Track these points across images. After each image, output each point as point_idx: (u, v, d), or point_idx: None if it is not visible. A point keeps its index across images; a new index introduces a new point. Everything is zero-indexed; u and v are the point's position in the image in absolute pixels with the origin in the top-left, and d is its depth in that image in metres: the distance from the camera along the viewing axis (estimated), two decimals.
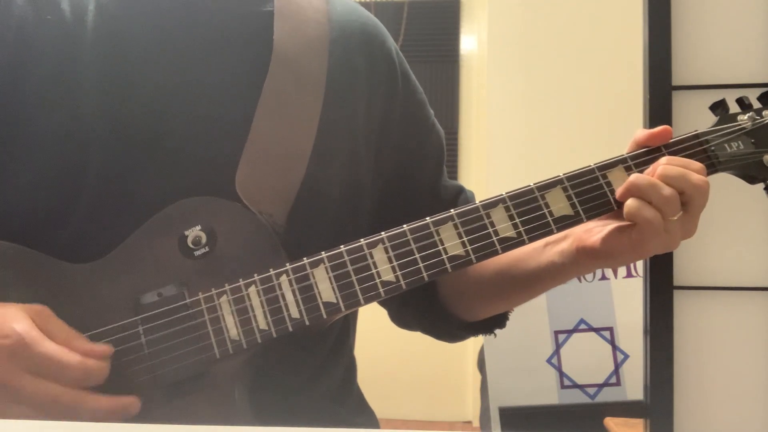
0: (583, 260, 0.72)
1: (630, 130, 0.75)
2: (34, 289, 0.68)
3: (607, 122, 2.41)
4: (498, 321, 0.88)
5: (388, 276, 0.67)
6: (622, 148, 0.73)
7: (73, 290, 0.69)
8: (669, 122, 0.82)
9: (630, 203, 0.67)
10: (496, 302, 0.85)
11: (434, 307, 0.87)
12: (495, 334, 0.89)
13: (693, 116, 0.82)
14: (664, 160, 0.69)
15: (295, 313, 0.67)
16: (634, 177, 0.68)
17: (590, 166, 0.71)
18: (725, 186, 0.74)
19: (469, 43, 3.79)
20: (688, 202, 0.67)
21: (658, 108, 0.83)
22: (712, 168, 0.71)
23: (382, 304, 0.90)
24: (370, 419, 0.87)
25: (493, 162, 2.83)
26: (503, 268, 0.81)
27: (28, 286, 0.68)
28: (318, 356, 0.81)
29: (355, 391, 0.88)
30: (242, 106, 0.75)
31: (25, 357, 0.60)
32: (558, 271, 0.75)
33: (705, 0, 0.84)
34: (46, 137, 0.72)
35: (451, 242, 0.68)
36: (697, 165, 0.69)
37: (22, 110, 0.72)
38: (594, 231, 0.71)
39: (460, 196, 0.89)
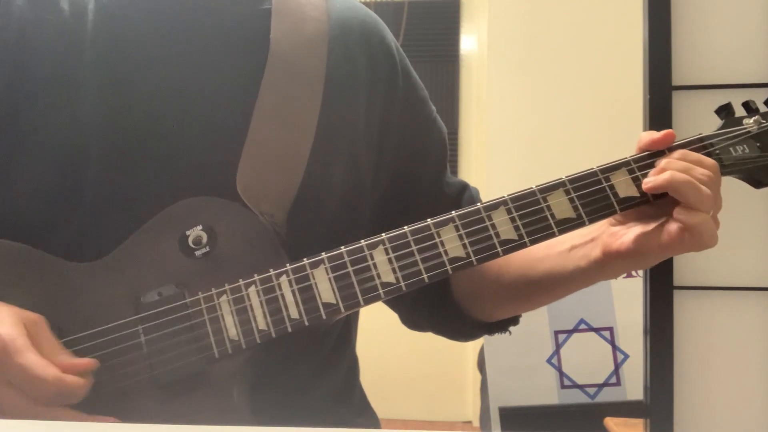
0: (611, 263, 0.72)
1: (630, 130, 0.75)
2: (35, 287, 0.68)
3: (607, 122, 2.41)
4: (513, 318, 0.87)
5: (389, 277, 0.67)
6: (622, 148, 0.73)
7: (73, 289, 0.69)
8: (669, 122, 0.82)
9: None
10: (516, 304, 0.84)
11: (448, 307, 0.86)
12: (510, 332, 0.88)
13: (693, 116, 0.82)
14: (677, 154, 0.69)
15: (294, 314, 0.67)
16: (672, 173, 0.66)
17: (593, 168, 0.70)
18: (725, 187, 0.74)
19: (469, 43, 3.79)
20: None
21: (658, 108, 0.83)
22: None
23: (393, 307, 0.89)
24: (371, 420, 0.87)
25: (493, 162, 2.83)
26: (525, 270, 0.80)
27: (29, 284, 0.68)
28: (319, 356, 0.81)
29: (357, 391, 0.88)
30: (241, 106, 0.75)
31: (3, 365, 0.59)
32: (584, 276, 0.75)
33: (705, 0, 0.84)
34: (46, 137, 0.72)
35: (452, 244, 0.68)
36: (710, 161, 0.69)
37: (22, 110, 0.72)
38: (619, 234, 0.71)
39: (464, 193, 0.88)
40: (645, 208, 0.70)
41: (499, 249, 0.68)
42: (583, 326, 2.00)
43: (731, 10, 0.83)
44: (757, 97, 0.74)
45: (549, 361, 2.00)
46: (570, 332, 2.00)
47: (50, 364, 0.60)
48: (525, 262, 0.79)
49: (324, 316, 0.67)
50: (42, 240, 0.70)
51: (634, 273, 1.97)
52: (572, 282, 0.77)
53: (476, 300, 0.85)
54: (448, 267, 0.67)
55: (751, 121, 0.72)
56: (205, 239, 0.69)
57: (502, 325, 0.87)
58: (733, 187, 0.74)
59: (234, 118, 0.74)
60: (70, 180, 0.72)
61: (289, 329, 0.66)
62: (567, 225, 0.69)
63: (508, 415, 1.98)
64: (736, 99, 0.74)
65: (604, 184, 0.69)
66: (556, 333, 2.00)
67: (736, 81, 0.83)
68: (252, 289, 0.67)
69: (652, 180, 0.68)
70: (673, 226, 0.66)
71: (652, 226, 0.68)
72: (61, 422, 0.58)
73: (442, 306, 0.86)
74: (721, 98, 0.74)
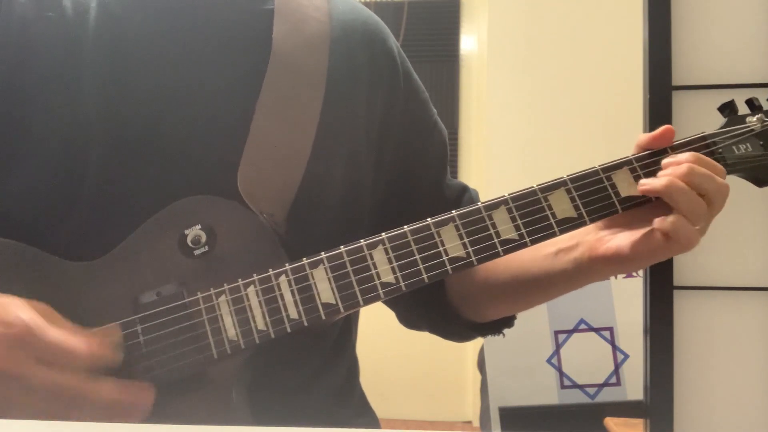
0: (598, 267, 0.71)
1: (630, 130, 0.75)
2: (34, 286, 0.68)
3: (607, 122, 2.41)
4: (507, 321, 0.87)
5: (388, 277, 0.67)
6: (622, 147, 0.73)
7: (72, 288, 0.68)
8: (669, 122, 0.82)
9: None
10: (505, 306, 0.84)
11: (442, 308, 0.86)
12: (503, 334, 0.88)
13: (693, 116, 0.82)
14: (690, 157, 0.67)
15: (293, 314, 0.66)
16: (670, 180, 0.65)
17: (594, 167, 0.70)
18: None
19: (469, 43, 3.79)
20: (709, 204, 0.66)
21: (658, 108, 0.83)
22: None
23: (390, 305, 0.89)
24: (371, 420, 0.87)
25: (493, 162, 2.84)
26: (513, 274, 0.80)
27: (28, 283, 0.68)
28: (319, 356, 0.81)
29: (357, 391, 0.88)
30: (242, 106, 0.75)
31: (32, 345, 0.59)
32: (571, 280, 0.75)
33: (705, 0, 0.83)
34: (46, 136, 0.72)
35: (452, 243, 0.68)
36: (720, 168, 0.68)
37: (23, 108, 0.72)
38: (605, 239, 0.70)
39: (464, 195, 0.88)
40: (635, 210, 0.69)
41: (500, 249, 0.68)
42: (583, 326, 2.01)
43: (731, 10, 0.83)
44: (758, 97, 0.74)
45: (549, 361, 2.00)
46: (570, 332, 2.01)
47: (76, 336, 0.62)
48: (512, 265, 0.79)
49: (323, 317, 0.66)
50: (41, 239, 0.70)
51: (634, 273, 1.97)
52: (559, 285, 0.76)
53: (467, 301, 0.85)
54: (448, 267, 0.67)
55: (755, 119, 0.71)
56: (204, 239, 0.69)
57: (495, 327, 0.87)
58: (734, 186, 0.73)
59: (235, 117, 0.74)
60: (70, 179, 0.72)
61: (288, 330, 0.66)
62: (568, 224, 0.68)
63: (508, 415, 1.98)
64: (737, 99, 0.73)
65: (606, 183, 0.69)
66: (556, 333, 2.00)
67: (736, 81, 0.83)
68: (251, 290, 0.67)
69: (649, 182, 0.67)
70: (657, 232, 0.66)
71: (639, 230, 0.68)
72: (61, 422, 0.58)
73: (437, 306, 0.86)
74: (721, 98, 0.74)
